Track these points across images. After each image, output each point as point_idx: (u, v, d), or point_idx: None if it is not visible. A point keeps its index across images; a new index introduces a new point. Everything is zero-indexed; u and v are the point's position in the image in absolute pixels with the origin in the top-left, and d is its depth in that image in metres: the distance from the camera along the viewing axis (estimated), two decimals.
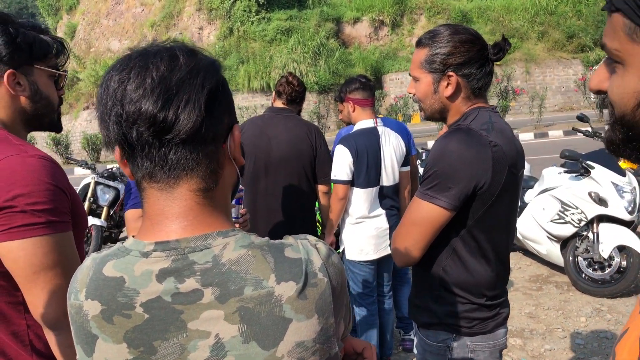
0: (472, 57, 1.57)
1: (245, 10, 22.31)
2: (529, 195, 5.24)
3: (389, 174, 3.09)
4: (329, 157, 3.10)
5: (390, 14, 22.15)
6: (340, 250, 3.20)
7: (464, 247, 1.58)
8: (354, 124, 3.17)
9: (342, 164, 2.98)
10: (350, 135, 3.07)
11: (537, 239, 4.80)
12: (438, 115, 1.69)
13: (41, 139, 22.01)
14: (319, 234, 3.25)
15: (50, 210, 1.19)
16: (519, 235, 5.07)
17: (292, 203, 3.01)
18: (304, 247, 0.81)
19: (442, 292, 1.63)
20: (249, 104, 20.61)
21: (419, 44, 1.67)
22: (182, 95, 0.75)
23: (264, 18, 22.39)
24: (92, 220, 5.70)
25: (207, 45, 22.78)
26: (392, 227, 3.10)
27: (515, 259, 5.43)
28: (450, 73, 1.58)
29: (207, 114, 0.77)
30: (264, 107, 19.62)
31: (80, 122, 22.55)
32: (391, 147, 3.09)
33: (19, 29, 1.32)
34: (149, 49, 0.82)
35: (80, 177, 10.81)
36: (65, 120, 22.98)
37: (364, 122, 3.09)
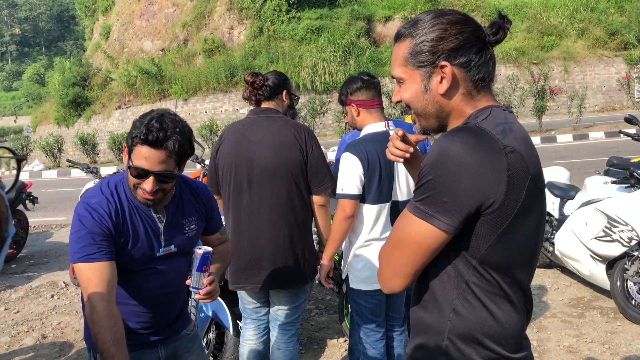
0: (467, 39, 1.23)
1: (275, 10, 22.11)
2: (569, 208, 4.73)
3: (403, 188, 2.63)
4: (324, 162, 2.67)
5: (422, 11, 21.53)
6: (343, 277, 2.77)
7: (479, 283, 1.19)
8: (360, 129, 2.71)
9: (351, 175, 2.52)
10: (359, 142, 2.60)
11: (579, 258, 4.28)
12: (436, 121, 1.32)
13: (69, 139, 22.29)
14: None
15: None
16: (557, 252, 4.57)
17: (282, 220, 2.60)
18: None
19: (455, 342, 1.21)
20: None
21: (399, 37, 1.31)
22: None
23: (294, 17, 22.15)
24: None
25: (237, 45, 22.68)
26: None
27: (552, 277, 4.92)
28: (443, 63, 1.23)
29: None
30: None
31: (112, 122, 22.74)
32: None
33: None
34: None
35: (80, 179, 10.58)
36: (97, 120, 23.27)
37: (372, 126, 2.63)
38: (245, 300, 2.81)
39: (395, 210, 2.62)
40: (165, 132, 1.63)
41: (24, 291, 5.56)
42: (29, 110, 43.67)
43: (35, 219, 8.51)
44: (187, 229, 1.88)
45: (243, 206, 2.60)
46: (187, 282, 1.77)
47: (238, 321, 3.16)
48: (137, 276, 1.81)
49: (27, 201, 7.01)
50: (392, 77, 1.36)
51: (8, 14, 78.85)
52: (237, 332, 3.14)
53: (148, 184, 1.67)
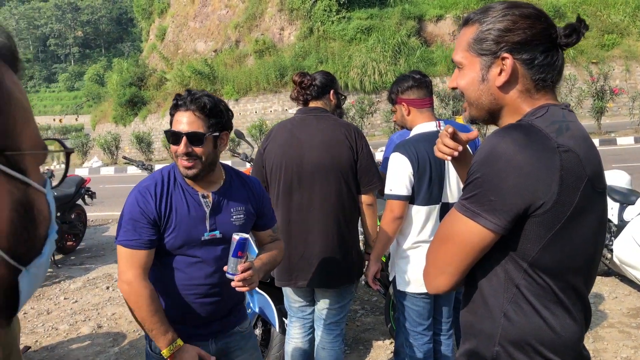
0: (535, 36, 1.18)
1: (325, 10, 22.18)
2: (629, 213, 4.52)
3: (454, 189, 2.57)
4: (372, 162, 2.66)
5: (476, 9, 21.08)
6: (390, 278, 2.74)
7: (530, 287, 1.14)
8: (410, 129, 2.68)
9: (400, 175, 2.48)
10: (409, 141, 2.56)
11: (639, 266, 4.09)
12: (487, 114, 1.28)
13: (126, 137, 23.09)
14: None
15: None
16: (615, 259, 4.37)
17: (331, 218, 2.60)
18: None
19: (507, 348, 1.17)
20: None
21: (467, 21, 1.27)
22: None
23: (344, 17, 22.15)
24: None
25: (287, 46, 22.89)
26: None
27: (610, 285, 4.72)
28: (505, 55, 1.19)
29: None
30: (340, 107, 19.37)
31: (167, 121, 23.27)
32: None
33: None
34: None
35: (136, 176, 10.87)
36: (152, 119, 24.02)
37: (423, 126, 2.59)
38: (291, 299, 2.82)
39: (446, 213, 2.55)
40: (193, 96, 1.79)
41: (81, 282, 5.81)
42: (89, 109, 45.56)
43: (93, 213, 8.87)
44: (234, 217, 1.91)
45: (293, 204, 2.60)
46: (224, 268, 1.78)
47: (284, 318, 3.19)
48: (183, 263, 1.84)
49: (85, 196, 7.30)
50: (452, 61, 1.34)
51: (71, 18, 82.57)
52: (283, 330, 3.17)
53: (180, 146, 1.77)
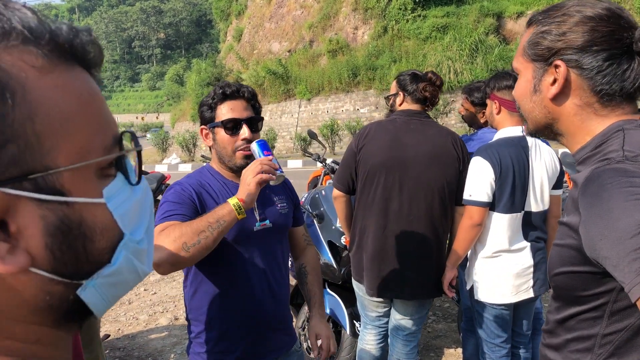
0: (598, 40, 0.98)
1: (400, 9, 21.94)
2: None
3: (538, 198, 2.44)
4: None
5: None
6: (468, 287, 2.63)
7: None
8: (495, 129, 2.56)
9: (481, 181, 2.37)
10: (492, 145, 2.44)
11: None
12: (544, 129, 1.11)
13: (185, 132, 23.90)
14: None
15: None
16: None
17: (430, 230, 2.48)
18: None
19: None
20: None
21: (529, 22, 1.11)
22: None
23: (419, 16, 21.81)
24: None
25: (360, 45, 22.86)
26: (538, 264, 2.44)
27: None
28: (558, 62, 1.02)
29: None
30: None
31: None
32: (542, 163, 2.43)
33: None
34: None
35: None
36: None
37: (509, 130, 2.46)
38: (369, 308, 2.71)
39: (528, 222, 2.44)
40: (236, 86, 1.74)
41: (160, 275, 6.07)
42: (169, 107, 47.70)
43: None
44: (279, 205, 1.84)
45: (391, 211, 2.47)
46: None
47: (355, 321, 3.17)
48: (237, 259, 1.71)
49: None
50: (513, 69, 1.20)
51: (155, 20, 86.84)
52: (354, 333, 3.15)
53: (244, 132, 1.70)
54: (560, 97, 1.05)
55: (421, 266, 2.50)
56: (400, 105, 2.60)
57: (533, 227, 2.46)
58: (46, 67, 0.42)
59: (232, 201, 1.51)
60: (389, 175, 2.45)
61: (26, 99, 0.40)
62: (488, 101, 2.55)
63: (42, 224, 0.41)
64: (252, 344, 1.74)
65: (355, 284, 2.69)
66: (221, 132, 1.72)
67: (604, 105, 1.02)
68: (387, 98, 2.69)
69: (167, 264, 1.43)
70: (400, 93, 2.59)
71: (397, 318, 2.67)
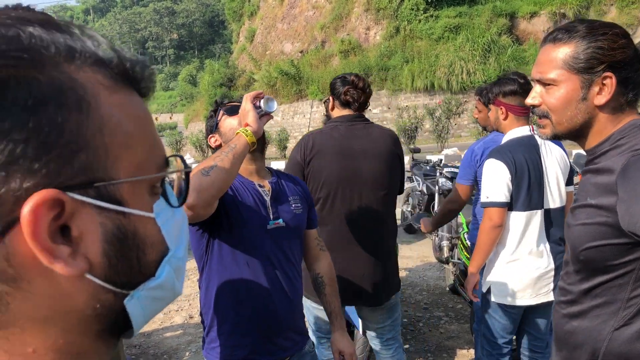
0: (632, 55, 1.23)
1: (413, 9, 21.92)
2: None
3: (555, 194, 2.45)
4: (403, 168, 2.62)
5: (574, 6, 19.86)
6: (484, 290, 2.61)
7: None
8: (502, 132, 2.58)
9: (497, 182, 2.38)
10: (504, 147, 2.47)
11: None
12: (575, 131, 1.31)
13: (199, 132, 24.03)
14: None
15: None
16: None
17: (386, 231, 2.52)
18: None
19: None
20: (411, 104, 20.19)
21: (557, 40, 1.29)
22: None
23: (431, 16, 21.79)
24: None
25: (372, 46, 22.86)
26: (559, 267, 2.42)
27: None
28: (608, 74, 1.22)
29: None
30: (425, 106, 19.12)
31: None
32: (554, 159, 2.46)
33: None
34: None
35: None
36: None
37: (517, 130, 2.49)
38: (323, 320, 2.52)
39: (549, 219, 2.45)
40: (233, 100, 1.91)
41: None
42: (182, 108, 48.03)
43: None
44: (293, 205, 1.86)
45: (351, 222, 2.44)
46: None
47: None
48: (249, 257, 1.73)
49: None
50: (533, 79, 1.35)
51: (168, 21, 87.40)
52: (365, 332, 3.18)
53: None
54: (605, 103, 1.24)
55: (384, 267, 2.49)
56: (332, 110, 2.57)
57: (553, 226, 2.46)
58: (113, 87, 0.46)
59: (240, 129, 1.62)
60: (346, 188, 2.41)
61: (98, 112, 0.44)
62: (492, 107, 2.58)
63: (100, 231, 0.44)
64: (263, 341, 1.76)
65: (306, 301, 2.50)
66: (225, 121, 1.83)
67: (624, 109, 1.26)
68: (325, 102, 2.64)
69: (194, 192, 1.45)
70: (331, 97, 2.56)
71: (372, 328, 2.63)
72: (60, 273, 0.41)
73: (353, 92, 2.46)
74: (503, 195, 2.38)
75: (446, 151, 16.43)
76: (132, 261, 0.47)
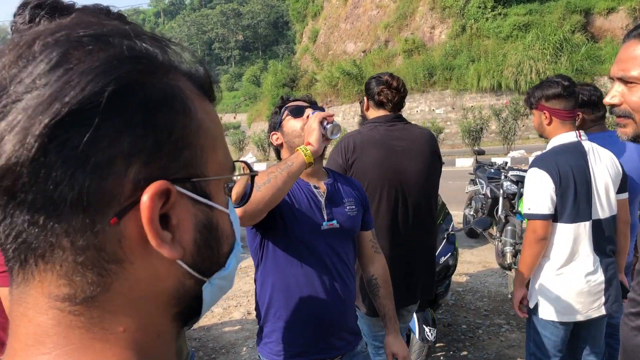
0: None
1: (480, 7, 21.35)
2: None
3: (604, 203, 2.29)
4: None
5: None
6: (532, 305, 2.45)
7: None
8: (547, 138, 2.43)
9: (540, 192, 2.26)
10: (548, 154, 2.33)
11: None
12: None
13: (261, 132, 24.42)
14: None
15: None
16: None
17: (430, 232, 2.54)
18: None
19: None
20: (476, 104, 19.67)
21: None
22: (14, 111, 0.41)
23: (499, 14, 21.12)
24: None
25: (437, 45, 22.45)
26: (610, 279, 2.29)
27: None
28: None
29: (58, 151, 0.41)
30: (492, 107, 18.56)
31: None
32: (604, 166, 2.29)
33: None
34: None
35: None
36: None
37: (563, 137, 2.34)
38: (379, 326, 2.43)
39: (599, 231, 2.30)
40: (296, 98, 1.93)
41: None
42: (246, 108, 49.14)
43: None
44: (347, 208, 1.85)
45: (400, 224, 2.42)
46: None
47: (425, 326, 3.14)
48: (303, 258, 1.74)
49: None
50: (613, 77, 1.26)
51: (234, 23, 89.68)
52: (423, 338, 3.11)
53: (308, 110, 1.82)
54: None
55: (428, 268, 2.55)
56: (367, 110, 2.53)
57: (603, 237, 2.32)
58: (200, 95, 0.52)
59: (300, 146, 1.63)
60: (391, 189, 2.37)
61: (196, 116, 0.50)
62: (535, 112, 2.42)
63: (193, 221, 0.50)
64: (315, 339, 1.76)
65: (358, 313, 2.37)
66: (288, 122, 1.84)
67: None
68: (360, 102, 2.62)
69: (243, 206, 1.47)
70: (365, 98, 2.53)
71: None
72: (164, 256, 0.46)
73: (387, 92, 2.44)
74: (546, 207, 2.26)
75: (512, 153, 15.89)
76: (213, 251, 0.53)
